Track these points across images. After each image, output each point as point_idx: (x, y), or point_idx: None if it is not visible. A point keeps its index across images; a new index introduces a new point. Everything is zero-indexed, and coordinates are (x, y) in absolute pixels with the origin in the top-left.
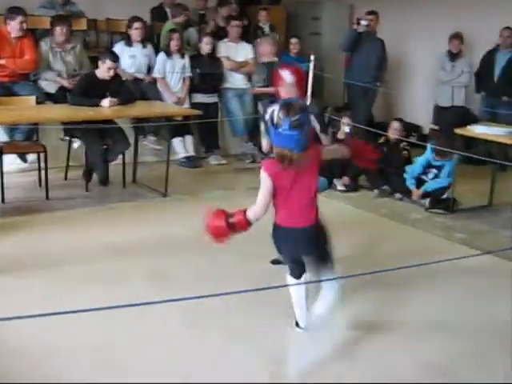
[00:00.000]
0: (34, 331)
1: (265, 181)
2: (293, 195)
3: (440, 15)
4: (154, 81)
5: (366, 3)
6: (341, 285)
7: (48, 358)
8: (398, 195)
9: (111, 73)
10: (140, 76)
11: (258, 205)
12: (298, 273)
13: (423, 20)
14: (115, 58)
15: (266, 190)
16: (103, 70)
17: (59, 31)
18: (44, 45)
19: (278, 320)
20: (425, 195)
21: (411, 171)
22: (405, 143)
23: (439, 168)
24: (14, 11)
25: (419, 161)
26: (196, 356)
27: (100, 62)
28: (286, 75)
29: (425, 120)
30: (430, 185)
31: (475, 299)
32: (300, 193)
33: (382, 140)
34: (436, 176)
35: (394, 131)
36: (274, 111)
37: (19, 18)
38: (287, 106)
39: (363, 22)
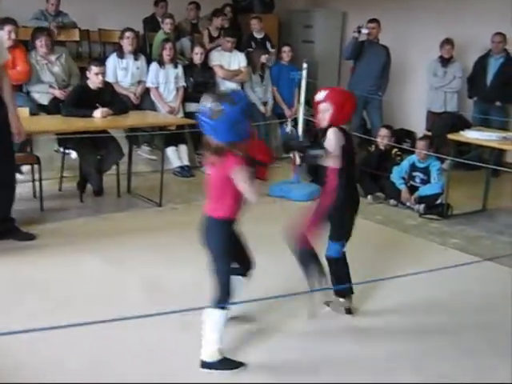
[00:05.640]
0: (27, 347)
1: None
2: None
3: (432, 21)
4: (148, 91)
5: (359, 11)
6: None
7: (43, 371)
8: (392, 201)
9: (100, 78)
10: (130, 94)
11: None
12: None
13: (416, 26)
14: (98, 63)
15: None
16: (92, 78)
17: (39, 44)
18: (31, 58)
19: (283, 326)
20: (419, 201)
21: (399, 171)
22: (397, 149)
23: (424, 170)
24: (3, 21)
25: (405, 162)
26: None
27: (87, 73)
28: (318, 94)
29: (418, 126)
30: (423, 190)
31: (474, 307)
32: (212, 182)
33: (372, 148)
34: (423, 180)
35: (381, 138)
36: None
37: (7, 28)
38: (214, 95)
39: (364, 31)
